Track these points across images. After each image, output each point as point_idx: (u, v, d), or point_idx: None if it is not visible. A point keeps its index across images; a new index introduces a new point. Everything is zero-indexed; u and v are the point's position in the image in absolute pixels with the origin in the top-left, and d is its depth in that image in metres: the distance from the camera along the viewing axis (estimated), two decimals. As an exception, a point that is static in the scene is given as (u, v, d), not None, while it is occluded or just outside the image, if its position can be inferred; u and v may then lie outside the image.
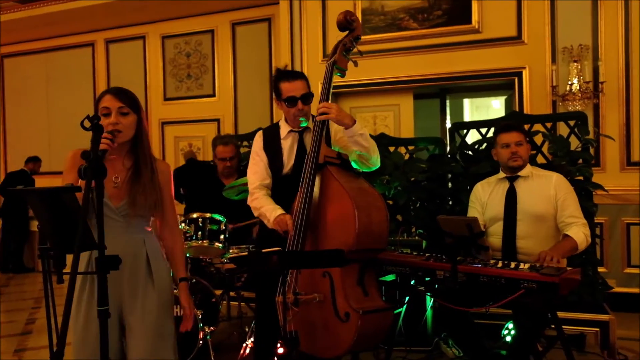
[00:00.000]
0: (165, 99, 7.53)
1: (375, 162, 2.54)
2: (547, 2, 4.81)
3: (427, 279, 2.36)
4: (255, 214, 2.55)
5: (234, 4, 6.91)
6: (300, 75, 2.51)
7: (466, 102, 8.05)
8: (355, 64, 2.54)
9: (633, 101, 4.68)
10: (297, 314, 2.11)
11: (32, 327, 4.62)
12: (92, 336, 1.78)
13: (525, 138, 2.79)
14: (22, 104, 8.48)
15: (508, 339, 2.95)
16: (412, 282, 2.60)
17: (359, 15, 5.39)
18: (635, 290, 4.63)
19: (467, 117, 8.04)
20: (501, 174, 2.82)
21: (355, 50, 2.57)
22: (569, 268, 2.10)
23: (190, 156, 5.93)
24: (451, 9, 5.09)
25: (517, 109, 4.89)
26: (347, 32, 2.52)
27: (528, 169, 2.74)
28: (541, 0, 4.82)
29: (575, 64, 4.67)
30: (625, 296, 4.58)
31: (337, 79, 2.51)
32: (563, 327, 2.32)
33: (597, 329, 3.29)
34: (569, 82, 4.65)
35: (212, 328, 2.98)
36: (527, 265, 2.17)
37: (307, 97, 2.46)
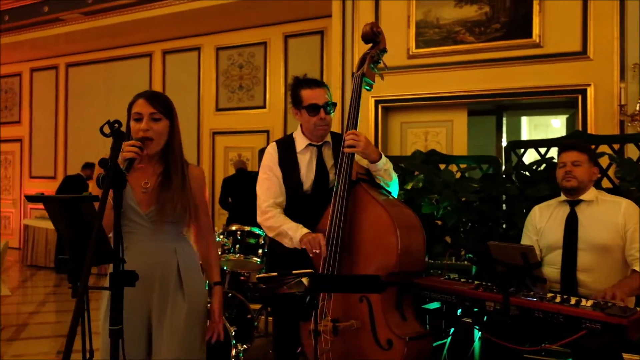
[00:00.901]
0: (217, 109, 7.61)
1: (395, 191, 2.39)
2: (616, 17, 4.49)
3: (475, 309, 2.17)
4: (271, 234, 2.34)
5: (287, 16, 6.93)
6: (322, 84, 2.38)
7: (524, 120, 7.72)
8: (382, 77, 2.41)
9: None
10: (333, 344, 1.97)
11: (79, 329, 4.68)
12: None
13: (588, 158, 2.53)
14: (84, 111, 8.81)
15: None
16: (459, 311, 2.41)
17: (412, 28, 5.24)
18: None
19: (525, 136, 7.71)
20: (562, 197, 2.58)
21: (381, 64, 2.43)
22: (638, 308, 1.86)
23: (240, 166, 5.92)
24: (510, 22, 4.85)
25: (580, 129, 4.58)
26: (371, 44, 2.38)
27: (593, 193, 2.49)
28: (610, 15, 4.51)
29: (647, 81, 4.32)
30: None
31: (367, 94, 2.37)
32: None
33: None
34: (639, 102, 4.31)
35: (245, 345, 2.88)
36: (589, 302, 1.94)
37: (330, 106, 2.32)
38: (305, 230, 2.22)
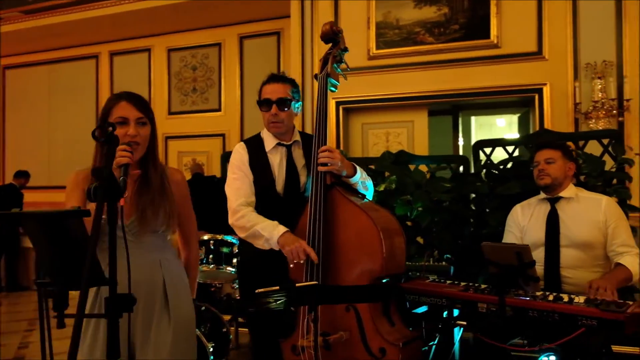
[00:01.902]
0: (170, 113, 7.34)
1: (370, 196, 2.31)
2: (569, 18, 4.64)
3: (466, 312, 2.13)
4: (242, 235, 2.19)
5: (242, 17, 6.78)
6: (282, 79, 2.29)
7: (473, 120, 7.88)
8: (345, 77, 2.35)
9: (660, 120, 4.48)
10: (326, 359, 1.87)
11: (24, 352, 4.34)
12: None
13: (562, 154, 2.55)
14: (23, 117, 8.29)
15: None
16: (445, 314, 2.38)
17: (372, 29, 5.23)
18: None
19: (474, 136, 7.87)
20: (542, 195, 2.60)
21: (343, 65, 2.36)
22: (630, 302, 1.87)
23: (197, 170, 5.72)
24: (469, 23, 4.92)
25: (537, 127, 4.69)
26: (331, 44, 2.31)
27: (572, 190, 2.52)
28: (563, 16, 4.65)
29: (599, 80, 4.48)
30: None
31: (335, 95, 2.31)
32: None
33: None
34: (593, 100, 4.46)
35: (223, 361, 2.74)
36: (582, 299, 1.94)
37: (284, 102, 2.21)
38: (282, 229, 2.09)
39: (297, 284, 1.54)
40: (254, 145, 2.31)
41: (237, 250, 2.86)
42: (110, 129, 1.18)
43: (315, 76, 2.31)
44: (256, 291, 1.53)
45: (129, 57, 7.67)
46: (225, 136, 7.05)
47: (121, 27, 7.12)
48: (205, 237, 2.90)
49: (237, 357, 3.36)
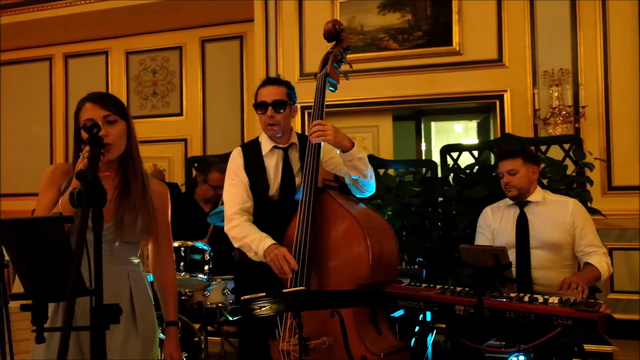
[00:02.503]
0: (129, 117, 7.12)
1: (372, 188, 2.30)
2: (527, 27, 4.79)
3: (444, 314, 2.14)
4: (236, 245, 2.21)
5: (203, 20, 6.66)
6: (277, 82, 2.31)
7: (433, 125, 8.03)
8: (346, 77, 2.35)
9: (613, 126, 4.68)
10: (311, 363, 1.84)
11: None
12: None
13: (523, 161, 2.59)
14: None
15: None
16: (420, 317, 2.38)
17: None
18: (620, 316, 4.57)
19: (434, 141, 8.00)
20: (509, 200, 2.65)
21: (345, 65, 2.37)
22: (600, 301, 1.93)
23: (157, 177, 5.56)
24: (432, 30, 5.01)
25: (498, 133, 4.81)
26: (334, 42, 2.32)
27: (539, 194, 2.58)
28: (521, 24, 4.80)
29: (556, 87, 4.64)
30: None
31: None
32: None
33: (600, 361, 3.15)
34: (551, 106, 4.61)
35: (195, 371, 2.67)
36: (556, 299, 1.99)
37: (279, 104, 2.21)
38: (269, 242, 2.08)
39: (283, 290, 1.51)
40: (251, 150, 2.32)
41: (208, 257, 2.79)
42: (96, 129, 1.11)
43: (315, 75, 2.29)
44: (242, 298, 1.49)
45: (85, 60, 7.41)
46: (188, 141, 6.91)
47: (76, 28, 6.87)
48: (176, 244, 2.82)
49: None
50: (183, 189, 4.54)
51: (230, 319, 2.88)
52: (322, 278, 2.02)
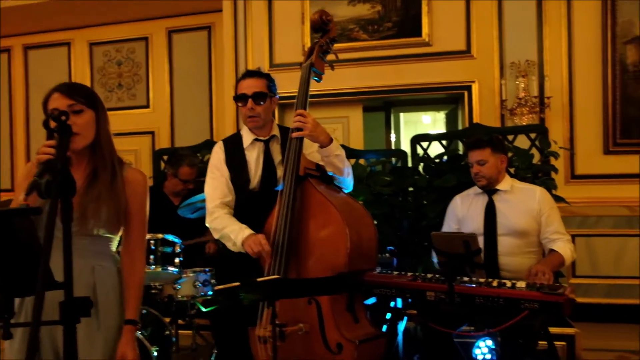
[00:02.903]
0: (93, 110, 6.94)
1: (349, 185, 2.34)
2: (495, 19, 4.87)
3: (413, 300, 2.18)
4: (216, 236, 2.27)
5: (170, 10, 6.53)
6: (257, 74, 2.33)
7: (402, 116, 8.11)
8: (332, 67, 2.37)
9: (576, 116, 4.82)
10: (280, 349, 1.85)
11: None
12: None
13: (491, 151, 2.64)
14: None
15: (487, 357, 2.81)
16: (392, 304, 2.42)
17: (307, 24, 5.23)
18: (581, 299, 4.72)
19: (402, 132, 8.08)
20: (478, 188, 2.71)
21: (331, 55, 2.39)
22: (565, 285, 1.99)
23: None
24: (401, 21, 5.04)
25: (467, 123, 4.89)
26: (321, 33, 2.33)
27: (507, 182, 2.64)
28: (489, 17, 4.88)
29: (523, 78, 4.74)
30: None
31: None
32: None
33: (564, 343, 3.25)
34: (518, 97, 4.71)
35: (167, 365, 2.64)
36: (523, 284, 2.04)
37: (259, 96, 2.24)
38: (248, 232, 2.11)
39: (258, 279, 1.51)
40: (232, 143, 2.35)
41: (179, 250, 2.76)
42: (64, 117, 1.08)
43: (300, 65, 2.30)
44: (215, 288, 1.49)
45: (46, 52, 7.18)
46: (155, 134, 6.79)
47: (36, 19, 6.65)
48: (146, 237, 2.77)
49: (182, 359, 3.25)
50: (151, 182, 4.47)
51: (204, 310, 2.86)
52: (301, 266, 2.04)
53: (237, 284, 1.47)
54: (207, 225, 2.30)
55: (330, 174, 2.25)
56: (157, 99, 6.81)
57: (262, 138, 2.31)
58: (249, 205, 2.26)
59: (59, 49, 7.12)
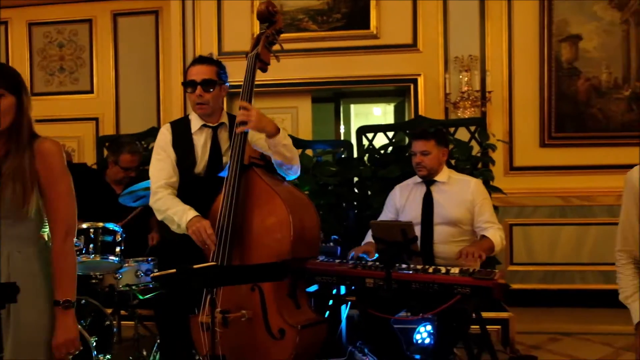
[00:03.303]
0: (33, 93, 6.60)
1: (296, 171, 2.37)
2: (440, 14, 5.00)
3: (354, 287, 2.25)
4: (159, 217, 2.26)
5: (115, -8, 6.34)
6: (207, 60, 2.32)
7: (352, 108, 8.21)
8: (277, 58, 2.39)
9: (515, 110, 5.02)
10: (223, 336, 1.87)
11: None
12: None
13: (435, 143, 2.74)
14: None
15: (426, 341, 2.93)
16: (334, 292, 2.48)
17: (255, 13, 5.19)
18: (517, 286, 4.96)
19: (353, 124, 8.18)
20: (418, 178, 2.80)
21: (277, 46, 2.40)
22: (496, 271, 2.10)
23: (66, 158, 5.28)
24: (350, 13, 5.09)
25: (413, 116, 5.01)
26: (267, 24, 2.34)
27: (445, 174, 2.74)
28: (435, 12, 5.00)
29: (466, 73, 4.90)
30: (509, 292, 4.88)
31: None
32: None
33: (499, 327, 3.43)
34: (461, 91, 4.86)
35: (107, 356, 2.60)
36: (457, 270, 2.13)
37: (209, 83, 2.24)
38: (192, 214, 2.11)
39: (194, 266, 1.52)
40: (180, 127, 2.34)
41: (119, 238, 2.72)
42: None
43: (246, 55, 2.30)
44: (151, 275, 1.49)
45: (-20, 30, 6.82)
46: (99, 120, 6.58)
47: (-31, -5, 6.30)
48: (84, 226, 2.71)
49: (122, 351, 3.20)
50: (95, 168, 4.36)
51: (141, 298, 2.83)
52: (244, 253, 2.07)
53: (173, 271, 1.47)
54: (150, 205, 2.29)
55: (275, 165, 2.28)
56: (102, 84, 6.59)
57: (210, 124, 2.32)
58: (192, 190, 2.27)
59: (-6, 29, 6.77)
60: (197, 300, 2.02)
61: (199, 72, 2.25)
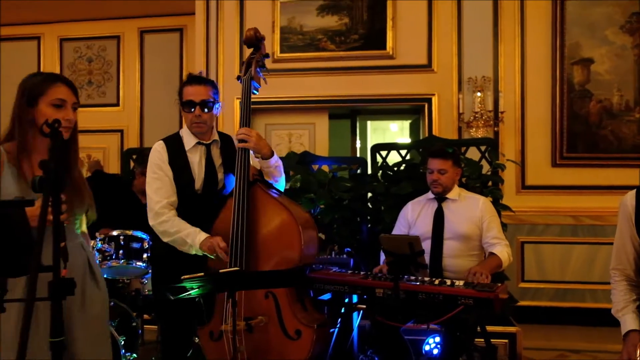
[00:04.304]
0: (62, 106, 6.93)
1: (282, 188, 2.52)
2: (454, 35, 5.16)
3: (366, 296, 2.39)
4: (166, 240, 2.29)
5: (142, 10, 6.61)
6: (206, 81, 2.39)
7: (369, 124, 8.37)
8: (265, 81, 2.52)
9: (527, 130, 5.14)
10: (249, 342, 2.02)
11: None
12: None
13: (452, 164, 2.88)
14: None
15: (434, 352, 3.04)
16: (346, 300, 2.62)
17: (277, 33, 5.41)
18: (529, 303, 5.04)
19: (369, 139, 8.34)
20: (430, 194, 2.94)
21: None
22: (499, 284, 2.23)
23: (96, 167, 5.53)
24: (367, 34, 5.28)
25: (427, 134, 5.16)
26: (253, 49, 2.46)
27: (456, 192, 2.89)
28: (449, 34, 5.16)
29: (479, 93, 5.04)
30: (520, 309, 4.97)
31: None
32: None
33: (506, 341, 3.52)
34: (474, 111, 5.00)
35: (134, 355, 2.77)
36: (462, 283, 2.27)
37: (206, 104, 2.32)
38: (204, 235, 2.23)
39: (220, 270, 1.68)
40: (173, 144, 2.38)
41: (147, 246, 2.90)
42: (57, 125, 1.24)
43: (238, 78, 2.44)
44: (182, 277, 1.64)
45: (15, 45, 7.15)
46: (124, 132, 6.85)
47: (5, 11, 6.61)
48: (115, 233, 2.90)
49: (146, 353, 3.37)
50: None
51: (172, 298, 2.99)
52: (255, 262, 2.21)
53: (201, 274, 1.63)
54: (153, 226, 2.29)
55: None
56: (127, 97, 6.87)
57: (204, 142, 2.39)
58: (191, 206, 2.33)
59: (28, 43, 7.10)
60: (200, 312, 2.16)
61: (197, 93, 2.31)
